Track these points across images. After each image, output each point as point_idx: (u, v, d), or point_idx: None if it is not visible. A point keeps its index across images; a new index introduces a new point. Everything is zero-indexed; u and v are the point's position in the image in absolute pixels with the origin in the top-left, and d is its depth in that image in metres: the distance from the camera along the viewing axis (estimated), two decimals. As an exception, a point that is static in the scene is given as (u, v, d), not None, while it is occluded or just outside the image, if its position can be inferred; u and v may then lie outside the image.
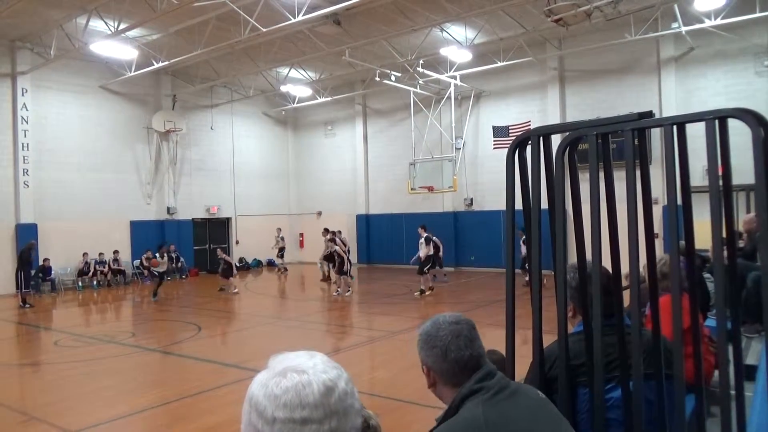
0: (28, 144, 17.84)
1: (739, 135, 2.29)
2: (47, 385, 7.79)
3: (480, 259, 20.18)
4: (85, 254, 18.61)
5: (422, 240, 15.55)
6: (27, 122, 17.84)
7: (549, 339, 2.33)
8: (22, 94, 17.75)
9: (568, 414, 2.21)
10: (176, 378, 8.20)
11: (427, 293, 15.05)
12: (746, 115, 1.91)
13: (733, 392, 2.14)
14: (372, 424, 1.59)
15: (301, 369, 1.09)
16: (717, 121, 1.98)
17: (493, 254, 19.47)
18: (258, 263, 24.36)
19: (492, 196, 20.32)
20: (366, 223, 24.03)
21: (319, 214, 25.58)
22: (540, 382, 2.27)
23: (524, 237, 12.36)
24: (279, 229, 22.85)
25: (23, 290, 15.03)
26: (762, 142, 1.90)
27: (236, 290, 16.74)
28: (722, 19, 14.71)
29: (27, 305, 14.83)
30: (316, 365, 1.11)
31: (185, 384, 7.72)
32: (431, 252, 15.36)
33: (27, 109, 17.85)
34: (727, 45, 15.99)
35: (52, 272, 17.84)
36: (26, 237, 16.75)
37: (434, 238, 16.14)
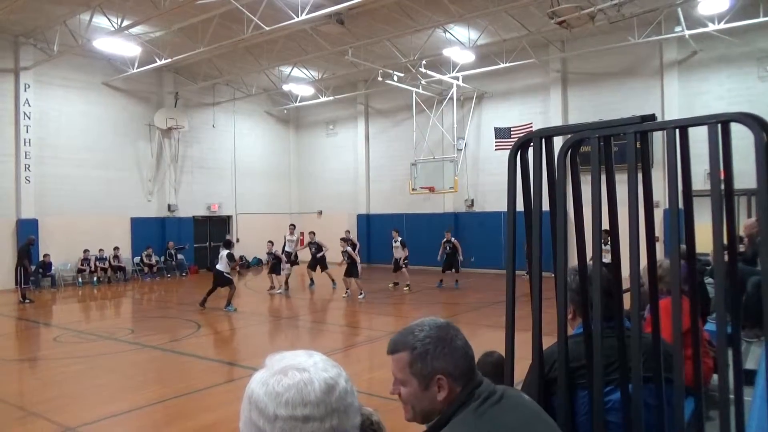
0: (30, 139, 17.85)
1: (742, 139, 2.29)
2: (46, 381, 7.79)
3: (480, 261, 20.16)
4: (85, 251, 18.62)
5: (398, 243, 16.51)
6: (29, 118, 17.85)
7: (549, 341, 2.32)
8: (25, 90, 17.76)
9: (567, 416, 2.21)
10: (175, 375, 8.20)
11: (391, 285, 16.43)
12: (749, 119, 1.91)
13: (732, 396, 2.14)
14: (374, 420, 1.58)
15: (302, 367, 1.10)
16: (719, 125, 1.98)
17: (493, 255, 19.44)
18: (258, 261, 24.35)
19: (493, 198, 20.32)
20: (367, 223, 24.04)
21: (320, 213, 25.58)
22: (539, 383, 2.26)
23: None
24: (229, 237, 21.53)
25: (23, 286, 15.05)
26: (764, 147, 1.89)
27: (280, 290, 16.14)
28: (726, 23, 14.70)
29: (27, 301, 14.84)
30: (317, 364, 1.12)
31: (184, 381, 7.73)
32: (408, 253, 16.54)
33: (29, 105, 17.86)
34: (730, 49, 15.97)
35: (52, 268, 17.85)
36: (27, 232, 16.77)
37: (453, 239, 16.48)
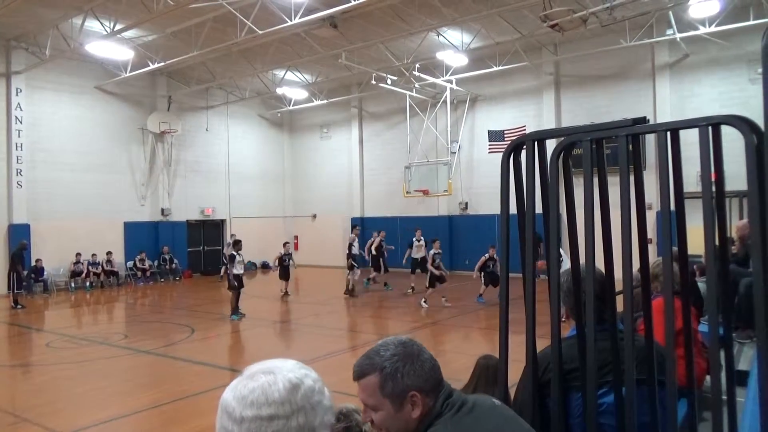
0: (21, 144, 17.75)
1: (733, 141, 2.30)
2: (38, 387, 7.73)
3: (475, 263, 20.16)
4: (78, 255, 18.51)
5: (420, 243, 16.15)
6: (21, 122, 17.76)
7: (542, 344, 2.33)
8: (17, 94, 17.67)
9: (560, 418, 2.21)
10: (169, 380, 8.16)
11: (443, 298, 14.79)
12: (739, 121, 1.92)
13: (724, 398, 2.15)
14: (365, 429, 1.58)
15: (269, 370, 1.13)
16: (710, 128, 1.99)
17: (487, 258, 19.47)
18: (253, 265, 24.28)
19: (487, 201, 20.36)
20: (361, 226, 23.93)
21: (314, 216, 25.54)
22: (533, 386, 2.27)
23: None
24: (233, 235, 20.33)
25: (15, 291, 14.93)
26: (754, 149, 1.91)
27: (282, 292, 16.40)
28: (717, 26, 14.82)
29: (19, 306, 14.73)
30: (285, 366, 1.15)
31: (178, 386, 7.69)
32: (425, 254, 15.79)
33: (21, 109, 17.77)
34: (721, 52, 16.09)
35: (45, 273, 17.73)
36: (19, 237, 16.64)
37: (496, 256, 13.91)
